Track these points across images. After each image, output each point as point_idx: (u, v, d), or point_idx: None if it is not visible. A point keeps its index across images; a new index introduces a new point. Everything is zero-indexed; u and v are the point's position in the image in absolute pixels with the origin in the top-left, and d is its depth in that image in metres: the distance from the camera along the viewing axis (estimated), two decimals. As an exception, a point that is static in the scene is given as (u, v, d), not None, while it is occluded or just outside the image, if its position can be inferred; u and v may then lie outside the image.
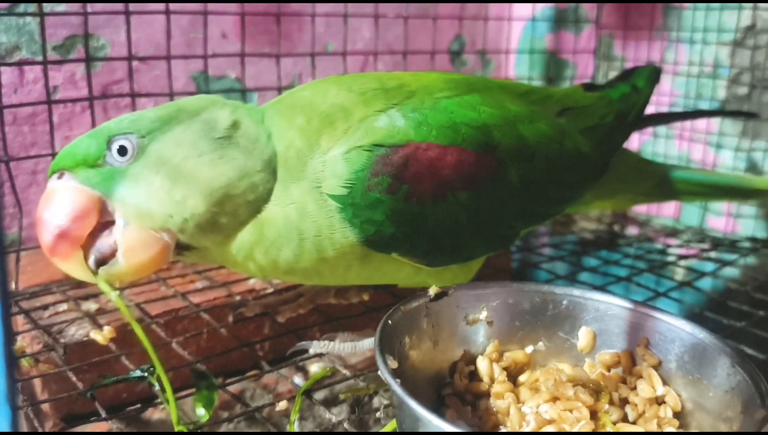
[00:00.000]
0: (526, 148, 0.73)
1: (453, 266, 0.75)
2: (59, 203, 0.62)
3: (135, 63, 0.99)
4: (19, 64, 1.01)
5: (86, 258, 0.63)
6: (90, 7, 0.96)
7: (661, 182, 0.98)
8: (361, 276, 0.72)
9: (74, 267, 0.63)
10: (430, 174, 0.67)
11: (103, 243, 0.63)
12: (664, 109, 1.36)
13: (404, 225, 0.67)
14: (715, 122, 1.29)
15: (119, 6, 0.95)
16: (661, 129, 1.39)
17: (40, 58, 0.91)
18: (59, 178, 0.63)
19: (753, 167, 1.25)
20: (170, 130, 0.64)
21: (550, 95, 0.84)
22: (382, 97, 0.70)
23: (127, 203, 0.62)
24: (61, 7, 1.03)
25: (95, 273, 0.63)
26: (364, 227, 0.65)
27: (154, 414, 0.77)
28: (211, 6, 1.06)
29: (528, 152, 0.73)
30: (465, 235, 0.71)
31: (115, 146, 0.62)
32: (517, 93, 0.81)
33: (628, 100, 0.90)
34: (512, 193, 0.72)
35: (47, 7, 1.02)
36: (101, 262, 0.63)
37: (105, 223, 0.63)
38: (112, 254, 0.63)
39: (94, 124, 0.92)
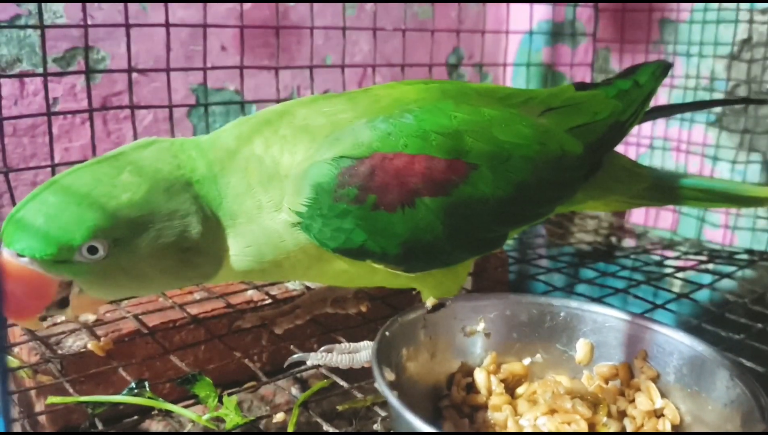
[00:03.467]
0: (501, 152, 0.73)
1: (437, 271, 0.75)
2: (22, 290, 0.63)
3: (135, 75, 1.00)
4: (20, 76, 1.01)
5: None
6: (90, 19, 0.96)
7: (654, 185, 0.97)
8: (330, 277, 0.75)
9: (30, 324, 0.71)
10: (397, 183, 0.67)
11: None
12: (661, 122, 1.37)
13: (375, 233, 0.67)
14: (712, 135, 1.30)
15: (119, 18, 0.96)
16: (658, 141, 1.39)
17: (40, 70, 0.91)
18: (19, 254, 0.62)
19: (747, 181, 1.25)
20: (144, 234, 0.64)
21: (532, 97, 0.83)
22: (351, 115, 0.71)
23: (90, 288, 0.66)
24: (62, 20, 1.04)
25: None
26: (335, 236, 0.66)
27: (151, 425, 0.77)
28: (210, 19, 1.06)
29: (503, 156, 0.73)
30: (441, 242, 0.71)
31: (86, 246, 0.62)
32: (497, 97, 0.80)
33: (626, 96, 0.89)
34: (488, 198, 0.72)
35: (48, 19, 1.02)
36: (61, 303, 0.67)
37: None
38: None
39: (93, 136, 0.93)
